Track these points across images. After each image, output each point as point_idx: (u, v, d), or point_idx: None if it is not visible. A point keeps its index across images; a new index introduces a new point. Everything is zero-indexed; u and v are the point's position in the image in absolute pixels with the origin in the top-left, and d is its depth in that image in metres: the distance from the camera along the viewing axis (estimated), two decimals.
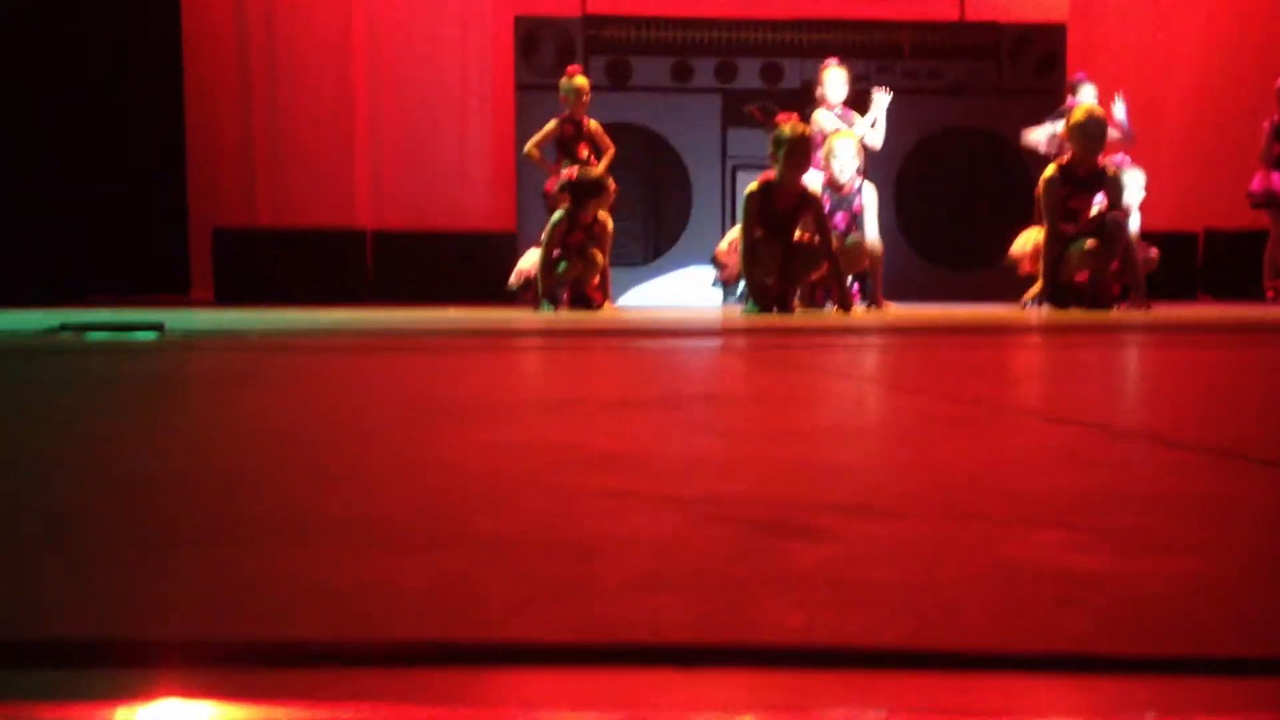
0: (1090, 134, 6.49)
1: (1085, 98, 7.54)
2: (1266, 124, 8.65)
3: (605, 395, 1.76)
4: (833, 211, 7.08)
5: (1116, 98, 7.78)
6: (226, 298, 8.75)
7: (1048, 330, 4.49)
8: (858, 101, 7.83)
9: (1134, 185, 7.41)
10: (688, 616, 0.61)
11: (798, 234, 6.36)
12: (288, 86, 9.65)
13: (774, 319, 5.71)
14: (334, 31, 9.70)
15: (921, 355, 2.94)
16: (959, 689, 0.55)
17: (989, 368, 2.42)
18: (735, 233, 6.99)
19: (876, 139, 7.58)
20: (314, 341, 3.45)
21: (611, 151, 7.92)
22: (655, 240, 9.80)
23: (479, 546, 0.76)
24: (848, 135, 7.21)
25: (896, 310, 6.85)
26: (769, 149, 6.37)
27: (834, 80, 7.65)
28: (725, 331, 4.35)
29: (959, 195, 9.52)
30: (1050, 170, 6.65)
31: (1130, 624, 0.61)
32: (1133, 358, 2.79)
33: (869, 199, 7.16)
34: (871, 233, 7.12)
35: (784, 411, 1.56)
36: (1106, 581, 0.67)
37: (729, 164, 9.63)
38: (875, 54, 9.75)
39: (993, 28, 9.71)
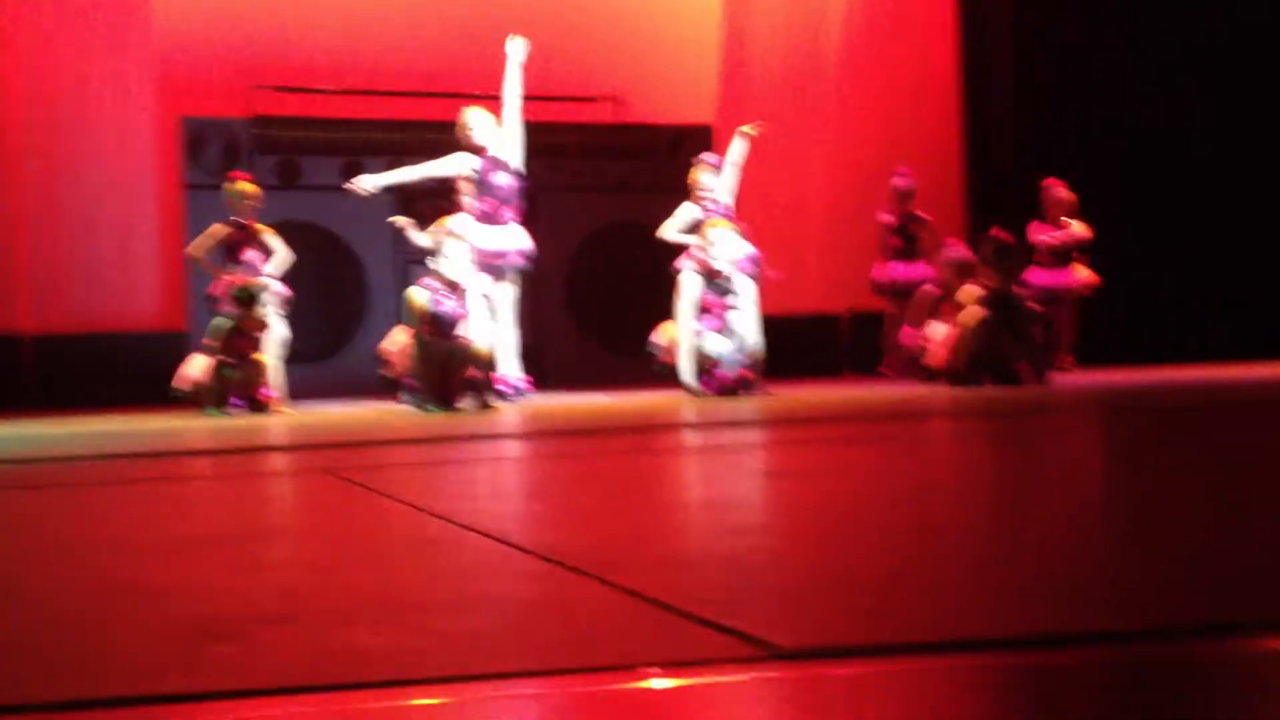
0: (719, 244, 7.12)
1: (706, 181, 8.11)
2: (885, 218, 9.57)
3: None
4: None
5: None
6: None
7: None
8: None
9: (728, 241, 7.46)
10: None
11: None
12: None
13: (439, 416, 5.95)
14: None
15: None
16: None
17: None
18: (400, 332, 7.17)
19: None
20: None
21: (286, 256, 7.99)
22: (332, 336, 9.88)
23: None
24: (458, 239, 7.11)
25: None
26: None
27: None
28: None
29: (624, 286, 10.02)
30: (689, 270, 7.25)
31: None
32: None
33: (474, 302, 7.00)
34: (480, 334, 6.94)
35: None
36: None
37: (402, 260, 9.82)
38: (543, 154, 10.18)
39: (649, 130, 10.35)
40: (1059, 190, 9.65)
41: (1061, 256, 9.62)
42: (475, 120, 7.46)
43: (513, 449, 3.62)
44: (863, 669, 0.91)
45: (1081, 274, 9.62)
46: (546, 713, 0.88)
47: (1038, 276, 9.48)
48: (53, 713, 0.87)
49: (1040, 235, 9.57)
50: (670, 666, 0.91)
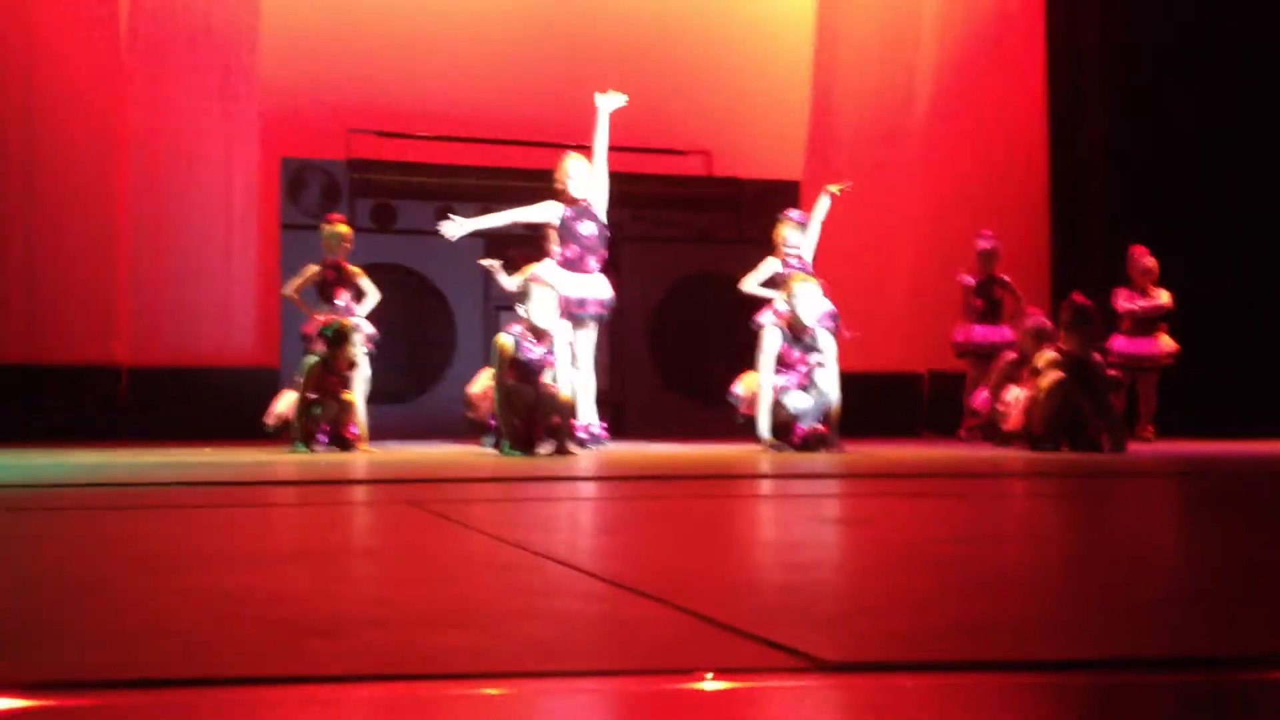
0: (804, 300, 7.19)
1: (790, 237, 8.25)
2: (967, 279, 9.58)
3: None
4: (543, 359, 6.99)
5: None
6: None
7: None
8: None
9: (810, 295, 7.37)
10: None
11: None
12: (45, 218, 9.60)
13: (520, 459, 6.07)
14: (96, 166, 9.74)
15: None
16: None
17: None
18: (487, 376, 7.32)
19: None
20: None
21: (375, 298, 8.20)
22: (420, 377, 10.06)
23: None
24: (545, 287, 7.08)
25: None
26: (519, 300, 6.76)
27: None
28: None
29: (708, 336, 10.12)
30: (771, 324, 7.34)
31: None
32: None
33: (560, 349, 7.01)
34: (564, 381, 6.97)
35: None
36: None
37: (491, 305, 10.02)
38: (631, 204, 10.34)
39: (735, 183, 10.49)
40: (1145, 258, 9.58)
41: (1146, 325, 9.53)
42: (575, 169, 7.60)
43: (588, 490, 3.73)
44: (896, 682, 1.00)
45: (1166, 343, 9.52)
46: (603, 707, 0.98)
47: (1121, 344, 9.41)
48: (174, 688, 0.99)
49: (1124, 303, 9.50)
50: (723, 672, 1.01)
